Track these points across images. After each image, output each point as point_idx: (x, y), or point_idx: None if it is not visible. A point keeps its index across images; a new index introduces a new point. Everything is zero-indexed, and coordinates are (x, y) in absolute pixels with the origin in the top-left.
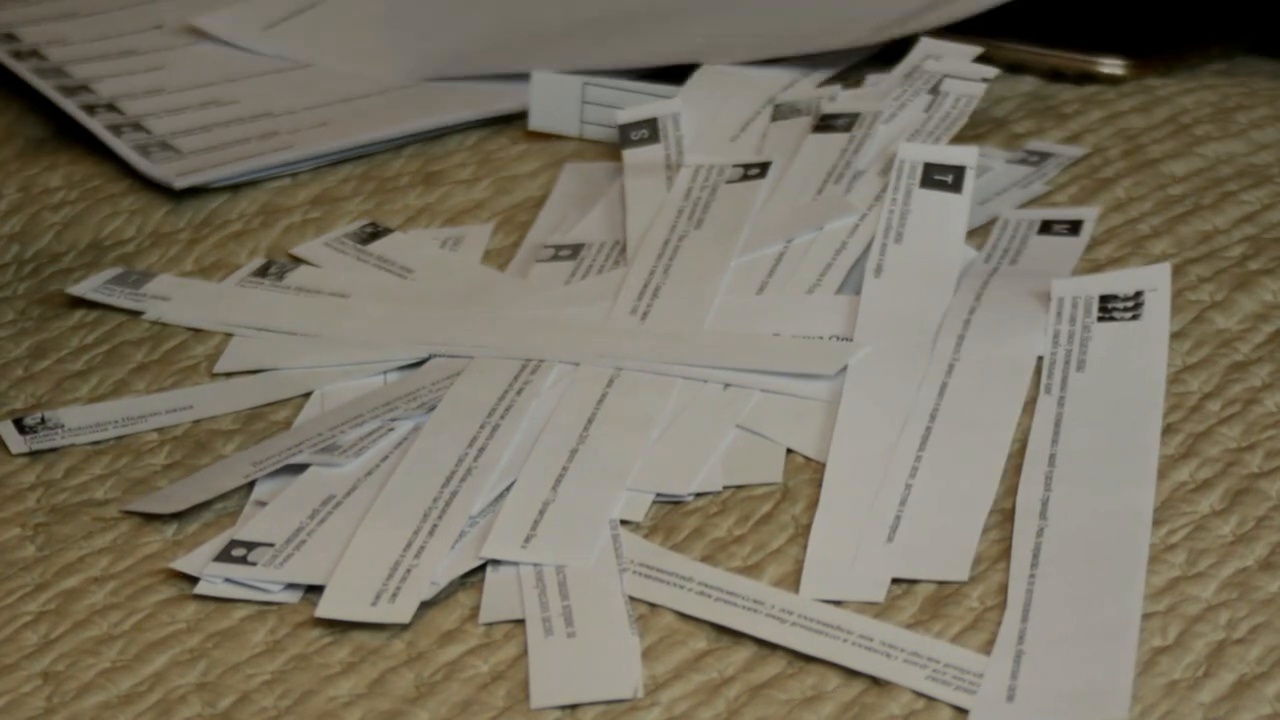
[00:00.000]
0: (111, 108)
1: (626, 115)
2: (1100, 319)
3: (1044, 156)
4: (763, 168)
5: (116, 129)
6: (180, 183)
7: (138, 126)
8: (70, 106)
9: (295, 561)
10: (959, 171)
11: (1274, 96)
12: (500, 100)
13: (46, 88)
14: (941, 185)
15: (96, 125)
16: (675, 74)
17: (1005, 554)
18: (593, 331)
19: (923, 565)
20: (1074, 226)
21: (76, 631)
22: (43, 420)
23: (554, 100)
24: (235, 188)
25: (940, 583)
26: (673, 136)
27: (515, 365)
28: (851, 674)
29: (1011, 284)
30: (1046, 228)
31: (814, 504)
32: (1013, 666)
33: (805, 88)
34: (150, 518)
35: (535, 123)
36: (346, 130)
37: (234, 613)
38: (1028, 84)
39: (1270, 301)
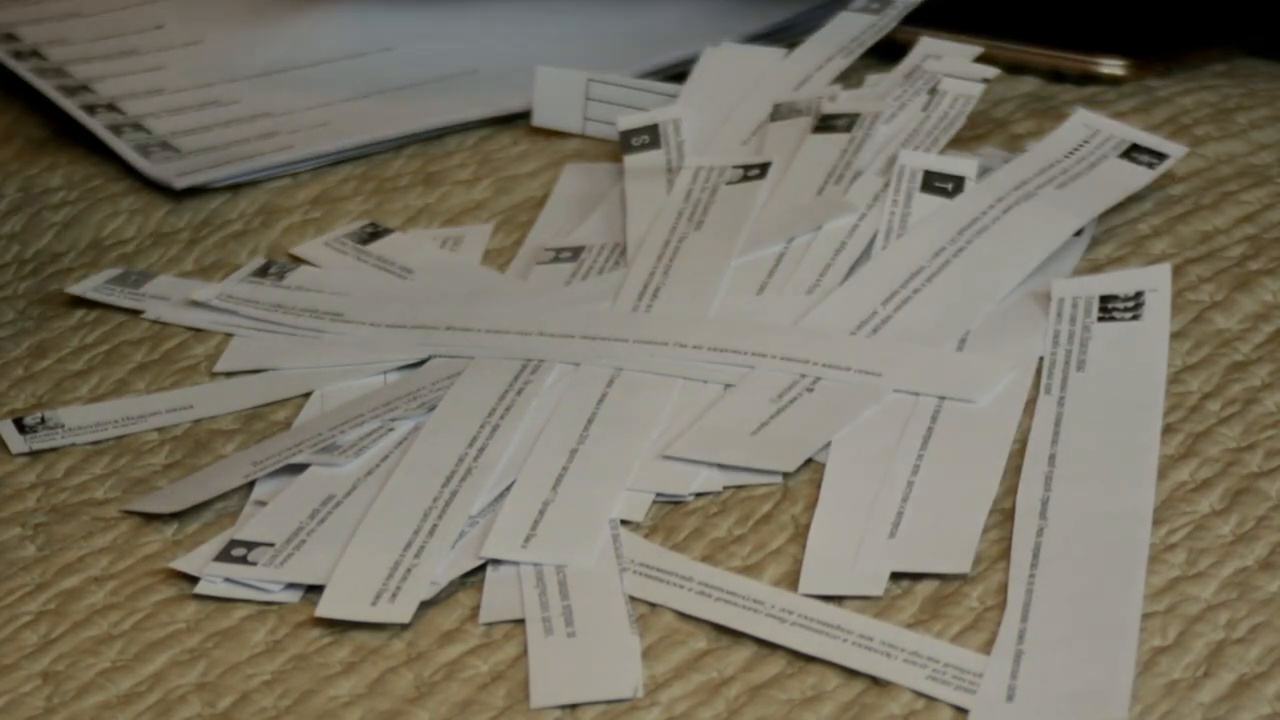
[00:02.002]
0: (112, 108)
1: (627, 121)
2: (1100, 319)
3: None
4: (762, 168)
5: (117, 129)
6: (180, 183)
7: (138, 126)
8: (70, 106)
9: (295, 561)
10: (959, 181)
11: (1273, 97)
12: (501, 100)
13: (47, 87)
14: (942, 193)
15: (97, 125)
16: (678, 72)
17: (1005, 554)
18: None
19: (924, 558)
20: None
21: (76, 631)
22: (43, 420)
23: (557, 96)
24: (235, 188)
25: (940, 582)
26: (674, 142)
27: (515, 365)
28: (851, 674)
29: None
30: None
31: (814, 504)
32: (1012, 666)
33: (813, 87)
34: (150, 518)
35: (538, 119)
36: (346, 130)
37: (234, 613)
38: (1028, 84)
39: (1270, 301)
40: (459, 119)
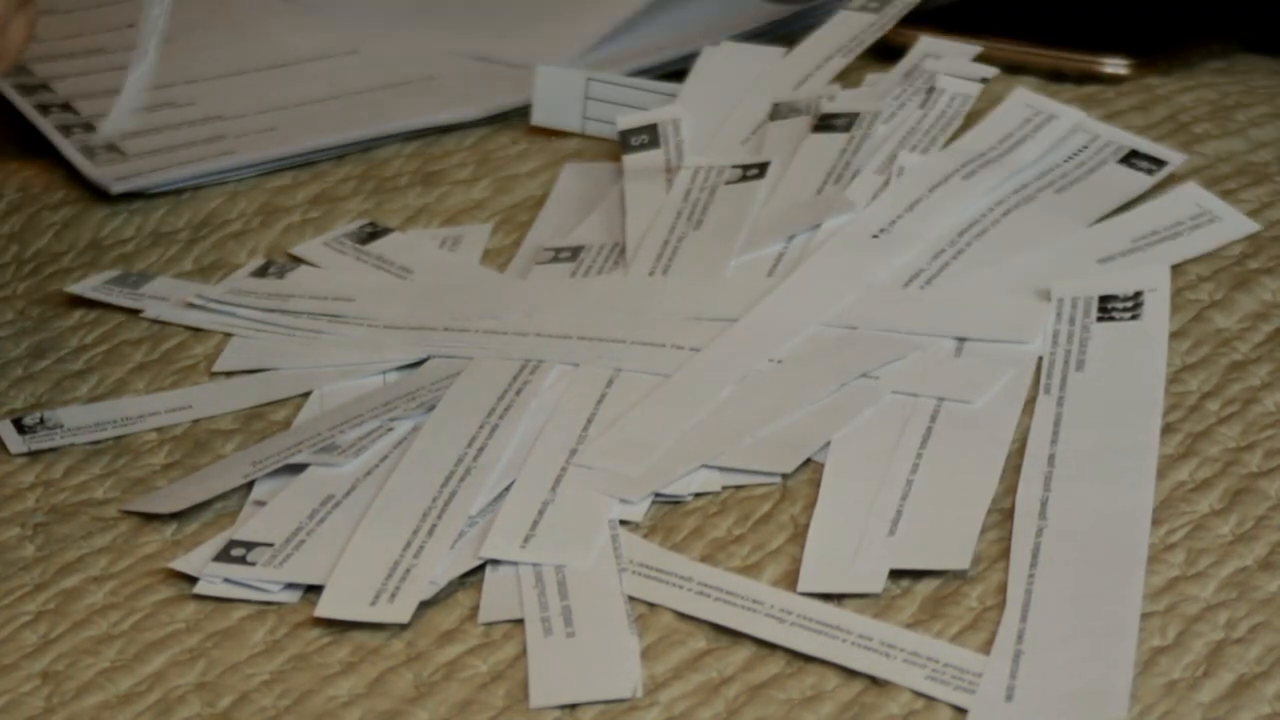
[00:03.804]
0: (66, 107)
1: (626, 121)
2: (1100, 319)
3: None
4: (761, 168)
5: (67, 129)
6: (118, 187)
7: (89, 127)
8: (24, 105)
9: (294, 561)
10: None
11: (1273, 94)
12: (454, 108)
13: (4, 85)
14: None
15: (46, 125)
16: (678, 71)
17: (1005, 554)
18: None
19: (923, 555)
20: None
21: (76, 631)
22: (42, 420)
23: (557, 96)
24: (235, 188)
25: (940, 582)
26: (673, 141)
27: (514, 365)
28: (851, 674)
29: None
30: None
31: (813, 504)
32: (1012, 666)
33: (813, 85)
34: (150, 518)
35: (538, 118)
36: (291, 136)
37: (233, 613)
38: (1028, 84)
39: (1270, 300)
40: (407, 126)
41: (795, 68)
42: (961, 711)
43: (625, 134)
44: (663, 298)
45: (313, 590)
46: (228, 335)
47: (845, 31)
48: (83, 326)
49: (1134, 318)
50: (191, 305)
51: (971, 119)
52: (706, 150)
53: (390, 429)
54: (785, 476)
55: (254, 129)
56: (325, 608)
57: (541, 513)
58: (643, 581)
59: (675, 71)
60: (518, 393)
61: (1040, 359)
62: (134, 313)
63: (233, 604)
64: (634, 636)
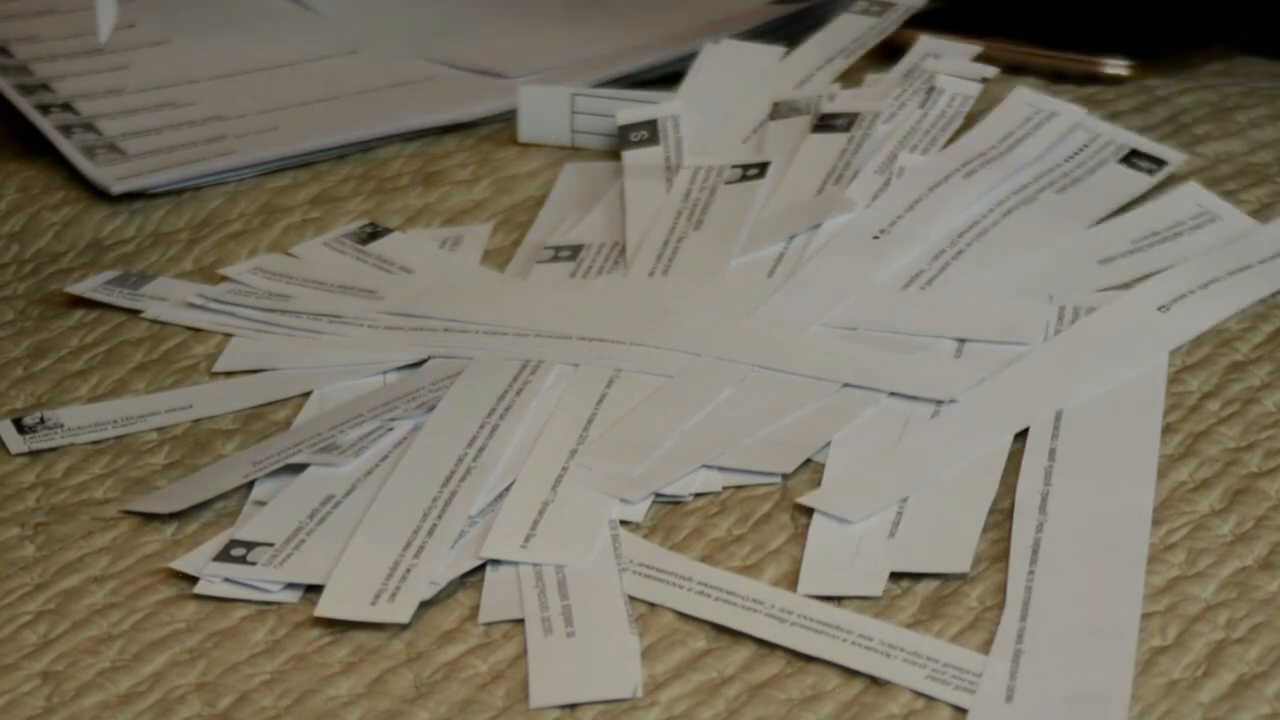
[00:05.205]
0: (67, 107)
1: (626, 116)
2: None
3: None
4: (761, 168)
5: (68, 129)
6: (118, 188)
7: (89, 127)
8: (24, 105)
9: (295, 561)
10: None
11: (1273, 95)
12: (453, 108)
13: (5, 85)
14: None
15: (47, 125)
16: (665, 80)
17: (1005, 554)
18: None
19: (923, 558)
20: None
21: (76, 631)
22: (42, 420)
23: (543, 113)
24: (235, 188)
25: (940, 582)
26: (672, 138)
27: (514, 365)
28: (851, 673)
29: None
30: None
31: None
32: (1012, 666)
33: (813, 86)
34: (150, 517)
35: (525, 135)
36: (292, 136)
37: (233, 612)
38: (1029, 84)
39: (1270, 301)
40: (406, 127)
41: (796, 68)
42: (961, 711)
43: (624, 129)
44: (663, 298)
45: (313, 590)
46: (228, 335)
47: (847, 34)
48: (83, 326)
49: None
50: (191, 305)
51: (972, 119)
52: (706, 149)
53: (390, 429)
54: (785, 476)
55: (254, 129)
56: (325, 608)
57: (542, 513)
58: (643, 581)
59: (667, 75)
60: (518, 393)
61: None
62: (134, 313)
63: (233, 604)
64: (634, 636)
